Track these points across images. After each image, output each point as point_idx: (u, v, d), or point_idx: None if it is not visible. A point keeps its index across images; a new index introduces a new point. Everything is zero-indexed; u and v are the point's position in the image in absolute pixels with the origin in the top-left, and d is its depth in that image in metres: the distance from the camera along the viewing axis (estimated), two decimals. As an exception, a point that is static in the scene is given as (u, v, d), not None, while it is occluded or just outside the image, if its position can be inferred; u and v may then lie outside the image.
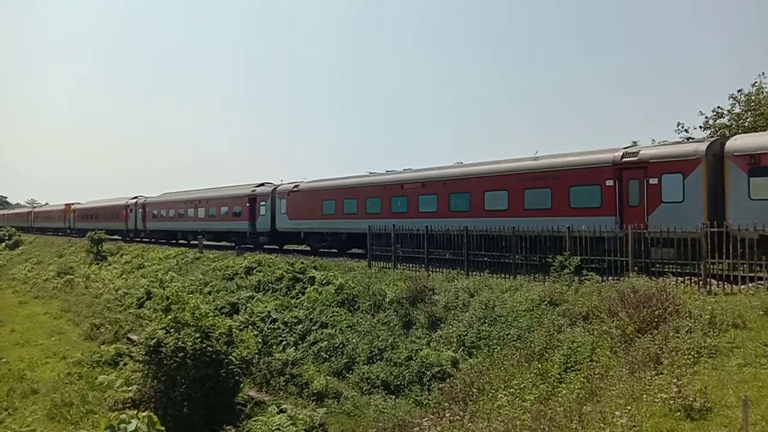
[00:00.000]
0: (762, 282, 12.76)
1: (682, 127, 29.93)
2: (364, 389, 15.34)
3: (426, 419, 10.25)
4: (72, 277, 40.23)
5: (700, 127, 29.26)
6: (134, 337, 22.07)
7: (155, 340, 14.79)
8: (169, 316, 15.65)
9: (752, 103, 27.27)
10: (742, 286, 13.00)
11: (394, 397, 14.50)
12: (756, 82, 27.85)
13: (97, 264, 42.19)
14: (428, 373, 14.34)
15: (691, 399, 6.32)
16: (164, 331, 15.05)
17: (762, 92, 27.39)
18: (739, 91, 28.08)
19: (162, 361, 14.53)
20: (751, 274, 13.18)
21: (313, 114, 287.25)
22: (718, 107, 28.68)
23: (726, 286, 13.12)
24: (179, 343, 14.54)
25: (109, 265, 41.15)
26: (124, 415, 3.59)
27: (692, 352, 8.25)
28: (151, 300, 26.30)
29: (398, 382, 14.88)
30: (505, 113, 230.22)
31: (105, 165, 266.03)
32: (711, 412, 6.23)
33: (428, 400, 13.22)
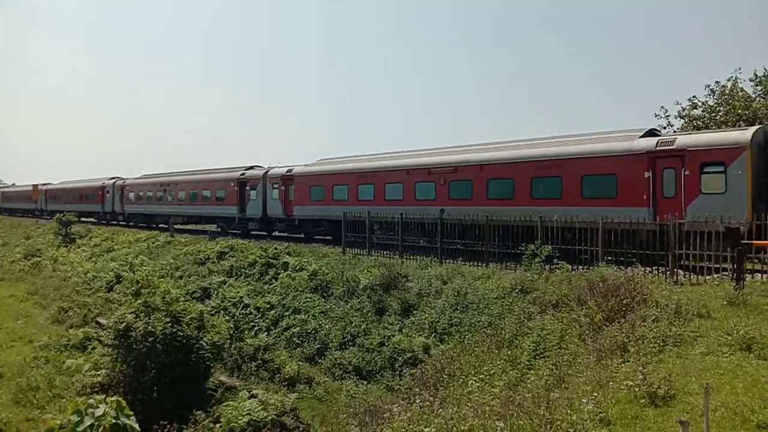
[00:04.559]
0: (726, 273, 13.09)
1: (665, 113, 30.50)
2: (336, 375, 15.38)
3: (396, 405, 10.33)
4: (39, 259, 39.37)
5: (677, 115, 29.84)
6: (103, 321, 21.72)
7: (125, 324, 14.57)
8: (139, 300, 15.43)
9: (726, 97, 27.76)
10: (708, 277, 13.33)
11: (365, 382, 14.58)
12: (732, 76, 28.31)
13: (66, 246, 41.39)
14: (400, 358, 14.45)
15: (655, 386, 6.46)
16: (134, 316, 14.83)
17: (737, 87, 27.87)
18: (717, 82, 28.51)
19: (131, 345, 14.34)
20: (716, 266, 13.53)
21: (291, 100, 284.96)
22: (694, 97, 29.16)
23: (692, 277, 13.44)
24: (149, 327, 14.35)
25: (78, 247, 40.40)
26: (92, 400, 3.52)
27: (658, 341, 8.43)
28: (120, 284, 25.91)
29: (370, 368, 14.95)
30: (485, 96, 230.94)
31: (104, 145, 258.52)
32: (674, 399, 6.39)
33: (400, 385, 13.32)
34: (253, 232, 33.67)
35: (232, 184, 34.33)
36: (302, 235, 30.17)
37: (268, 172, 32.44)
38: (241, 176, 33.94)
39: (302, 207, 29.55)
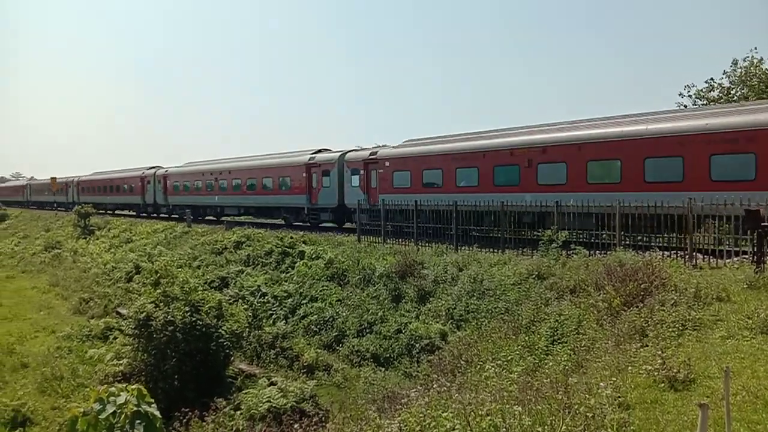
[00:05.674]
0: (746, 256, 12.93)
1: (688, 91, 30.61)
2: (354, 362, 15.48)
3: (414, 390, 10.37)
4: (60, 251, 39.98)
5: (695, 95, 29.88)
6: (123, 311, 22.04)
7: (144, 314, 14.78)
8: (158, 290, 15.63)
9: (748, 76, 27.61)
10: (727, 260, 13.17)
11: (383, 369, 14.66)
12: (748, 56, 28.12)
13: (85, 238, 41.95)
14: (417, 345, 14.49)
15: (675, 370, 6.42)
16: (153, 305, 15.04)
17: (754, 66, 27.70)
18: (735, 63, 28.37)
19: (152, 335, 14.55)
20: (736, 249, 13.37)
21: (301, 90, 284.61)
22: (711, 79, 29.15)
23: (711, 261, 13.29)
24: (169, 317, 14.55)
25: (97, 239, 40.93)
26: (113, 388, 3.59)
27: (677, 325, 8.36)
28: (139, 274, 26.24)
29: (387, 355, 15.03)
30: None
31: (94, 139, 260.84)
32: (694, 383, 6.35)
33: (417, 372, 13.38)
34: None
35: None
36: None
37: None
38: None
39: None
